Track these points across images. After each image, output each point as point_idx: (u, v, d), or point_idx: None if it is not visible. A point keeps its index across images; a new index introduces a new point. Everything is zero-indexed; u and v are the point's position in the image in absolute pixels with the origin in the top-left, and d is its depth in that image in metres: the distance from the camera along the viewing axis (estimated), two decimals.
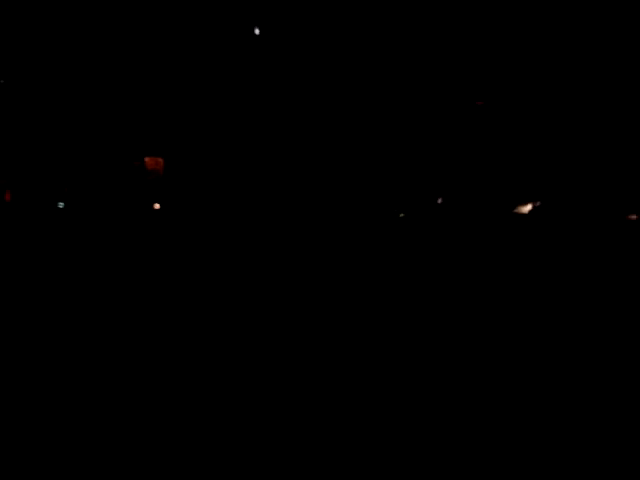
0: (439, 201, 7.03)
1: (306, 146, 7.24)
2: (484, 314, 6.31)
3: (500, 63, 6.87)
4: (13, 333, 5.87)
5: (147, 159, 6.81)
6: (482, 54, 6.81)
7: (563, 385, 5.08)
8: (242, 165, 7.08)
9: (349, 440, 4.53)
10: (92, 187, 6.79)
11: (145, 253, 7.20)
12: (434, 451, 4.37)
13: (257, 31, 6.79)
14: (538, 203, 6.78)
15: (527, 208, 6.95)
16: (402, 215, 7.23)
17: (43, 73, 6.45)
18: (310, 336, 6.00)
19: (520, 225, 6.82)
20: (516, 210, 6.89)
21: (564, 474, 4.10)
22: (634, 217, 6.48)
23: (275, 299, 6.78)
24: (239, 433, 4.63)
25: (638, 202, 6.44)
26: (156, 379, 5.23)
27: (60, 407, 4.91)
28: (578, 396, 4.91)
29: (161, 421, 4.81)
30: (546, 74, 6.82)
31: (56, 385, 5.18)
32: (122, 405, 4.97)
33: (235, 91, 7.04)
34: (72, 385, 5.18)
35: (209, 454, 4.36)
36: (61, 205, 6.30)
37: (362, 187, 7.15)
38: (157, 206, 7.05)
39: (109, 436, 4.48)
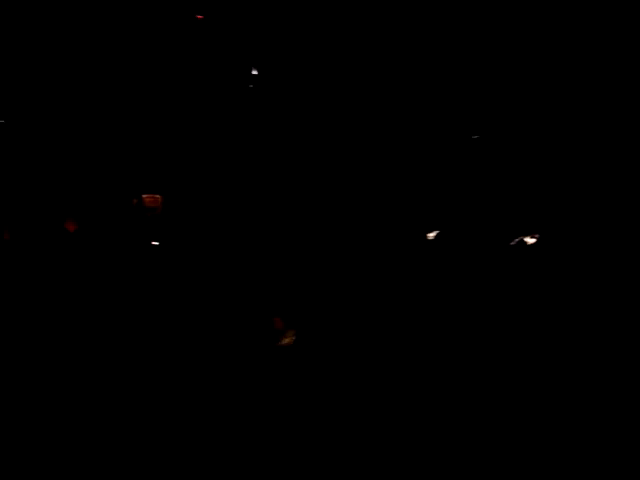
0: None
1: (306, 184, 7.17)
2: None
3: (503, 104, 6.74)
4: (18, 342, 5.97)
5: (145, 196, 6.85)
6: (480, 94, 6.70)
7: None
8: (243, 202, 7.05)
9: (348, 439, 4.32)
10: (89, 225, 6.85)
11: (143, 291, 7.20)
12: (432, 451, 4.12)
13: (255, 72, 6.83)
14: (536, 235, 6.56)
15: (530, 240, 6.73)
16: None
17: (38, 111, 6.64)
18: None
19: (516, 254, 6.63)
20: (514, 241, 6.67)
21: (563, 474, 3.78)
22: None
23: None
24: (238, 432, 4.47)
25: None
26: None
27: (61, 407, 4.86)
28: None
29: (161, 420, 4.69)
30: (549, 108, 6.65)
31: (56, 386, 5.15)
32: (122, 405, 4.88)
33: (235, 128, 7.06)
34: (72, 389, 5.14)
35: (208, 452, 4.21)
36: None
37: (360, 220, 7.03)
38: (155, 244, 7.05)
39: (109, 436, 4.40)
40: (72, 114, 6.80)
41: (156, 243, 7.03)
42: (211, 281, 7.07)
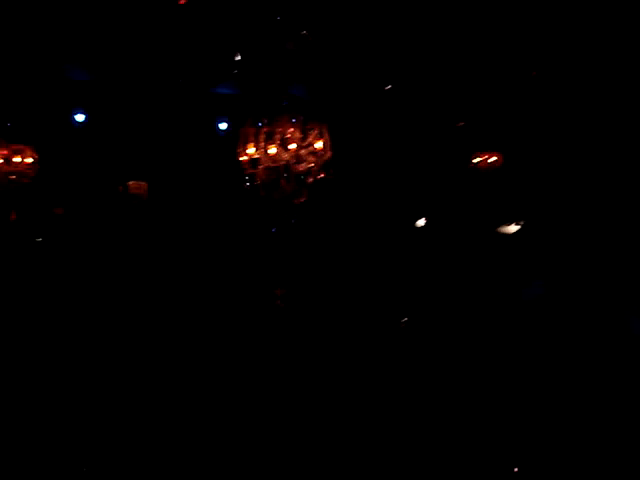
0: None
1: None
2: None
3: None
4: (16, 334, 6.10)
5: (131, 183, 6.84)
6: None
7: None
8: (227, 188, 7.04)
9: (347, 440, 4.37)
10: (76, 211, 6.88)
11: (129, 275, 7.23)
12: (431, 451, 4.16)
13: (238, 57, 6.77)
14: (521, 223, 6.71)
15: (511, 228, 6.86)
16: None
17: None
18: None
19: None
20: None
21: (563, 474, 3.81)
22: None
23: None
24: (238, 431, 4.52)
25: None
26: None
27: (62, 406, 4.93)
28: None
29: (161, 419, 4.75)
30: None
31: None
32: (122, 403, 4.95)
33: (219, 113, 7.02)
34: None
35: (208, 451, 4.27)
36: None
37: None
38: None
39: (110, 435, 4.47)
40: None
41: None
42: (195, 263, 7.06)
